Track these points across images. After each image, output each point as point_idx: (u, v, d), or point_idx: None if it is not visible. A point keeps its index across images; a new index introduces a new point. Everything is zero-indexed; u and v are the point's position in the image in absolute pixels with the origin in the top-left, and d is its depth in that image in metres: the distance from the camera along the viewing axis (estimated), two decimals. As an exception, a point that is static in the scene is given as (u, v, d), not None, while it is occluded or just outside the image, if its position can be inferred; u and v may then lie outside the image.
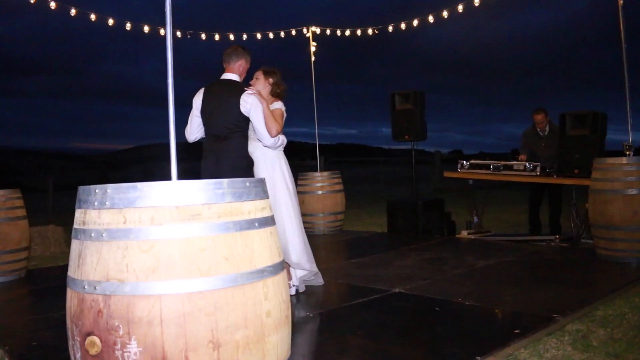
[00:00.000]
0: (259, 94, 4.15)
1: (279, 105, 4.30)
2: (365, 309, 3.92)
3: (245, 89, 4.13)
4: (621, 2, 5.49)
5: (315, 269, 4.53)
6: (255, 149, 4.31)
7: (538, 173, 6.53)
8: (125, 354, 1.76)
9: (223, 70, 4.28)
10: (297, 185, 5.61)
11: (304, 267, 4.44)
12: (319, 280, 4.67)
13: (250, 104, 4.05)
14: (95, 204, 1.87)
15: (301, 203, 6.22)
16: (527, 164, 6.64)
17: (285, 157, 4.45)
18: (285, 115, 4.32)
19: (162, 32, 8.25)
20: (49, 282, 5.54)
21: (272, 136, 4.10)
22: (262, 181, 2.03)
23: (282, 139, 4.28)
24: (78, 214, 1.98)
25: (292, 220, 4.36)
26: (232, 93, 4.11)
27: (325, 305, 4.10)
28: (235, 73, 4.23)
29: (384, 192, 16.87)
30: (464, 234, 7.27)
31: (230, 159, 4.08)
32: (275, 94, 4.39)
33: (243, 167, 4.13)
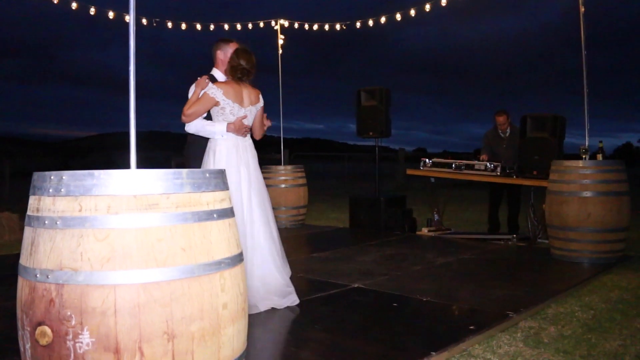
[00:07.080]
0: (204, 79, 3.84)
1: (208, 89, 3.74)
2: (324, 304, 3.94)
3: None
4: (582, 9, 5.62)
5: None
6: (215, 139, 3.92)
7: (498, 173, 6.65)
8: (77, 345, 1.73)
9: (212, 64, 4.25)
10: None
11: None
12: (285, 301, 3.83)
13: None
14: (50, 190, 1.83)
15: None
16: (488, 163, 6.76)
17: (243, 149, 3.87)
18: (215, 100, 3.73)
19: (126, 18, 8.11)
20: (2, 271, 5.39)
21: (182, 120, 3.76)
22: (222, 172, 2.02)
23: (198, 127, 3.82)
24: (32, 200, 1.93)
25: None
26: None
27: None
28: (216, 67, 4.19)
29: (347, 187, 16.93)
30: (425, 231, 7.37)
31: (190, 149, 4.11)
32: (229, 71, 3.86)
33: (201, 156, 4.12)
